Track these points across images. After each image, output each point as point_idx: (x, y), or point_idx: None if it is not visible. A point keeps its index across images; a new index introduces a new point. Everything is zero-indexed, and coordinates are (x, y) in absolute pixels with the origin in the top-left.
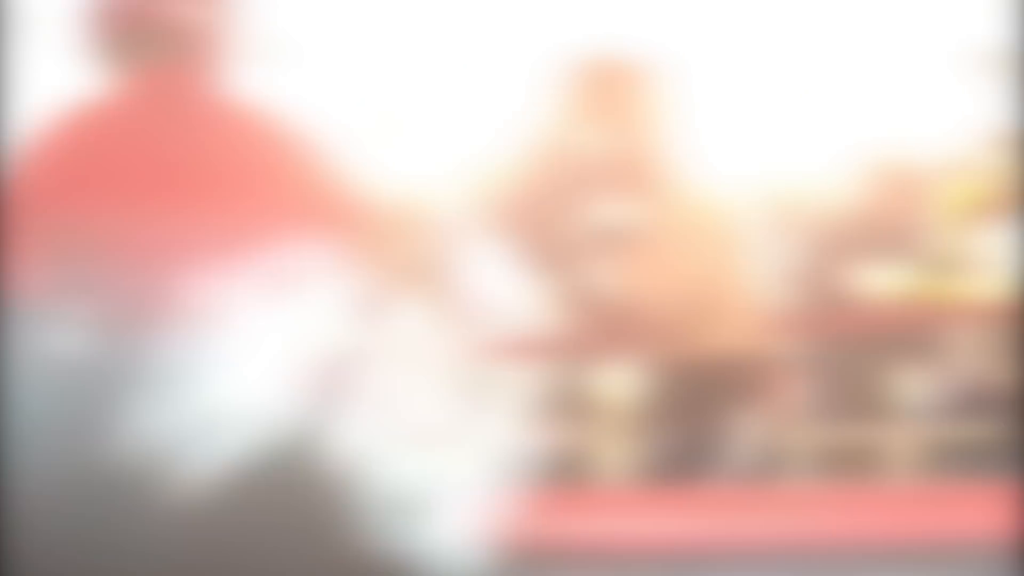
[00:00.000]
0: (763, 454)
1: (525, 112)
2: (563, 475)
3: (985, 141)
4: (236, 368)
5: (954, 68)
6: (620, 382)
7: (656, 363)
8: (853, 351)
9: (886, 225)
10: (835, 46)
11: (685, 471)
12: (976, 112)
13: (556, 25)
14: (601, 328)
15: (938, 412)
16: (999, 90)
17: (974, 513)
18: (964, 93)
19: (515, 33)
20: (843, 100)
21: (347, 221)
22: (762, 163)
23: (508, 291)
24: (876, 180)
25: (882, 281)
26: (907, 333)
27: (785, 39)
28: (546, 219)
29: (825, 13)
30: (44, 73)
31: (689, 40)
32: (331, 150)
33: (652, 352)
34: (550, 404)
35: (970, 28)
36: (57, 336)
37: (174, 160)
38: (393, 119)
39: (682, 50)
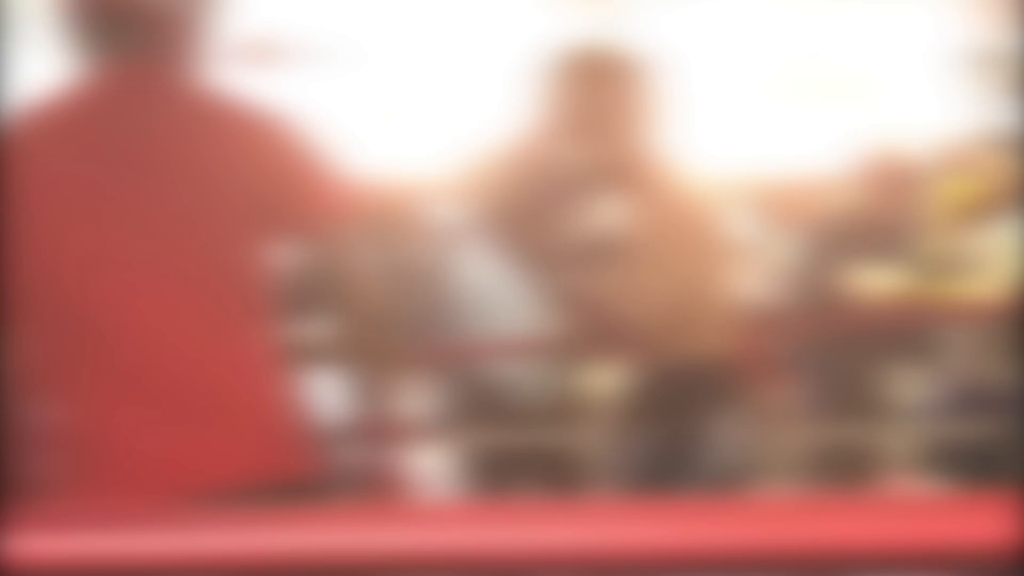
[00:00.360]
0: (754, 456)
1: (512, 113)
2: (548, 476)
3: (981, 141)
4: None
5: (950, 68)
6: (605, 383)
7: (642, 365)
8: (849, 351)
9: (882, 225)
10: (830, 45)
11: (670, 474)
12: (972, 112)
13: (545, 23)
14: (587, 329)
15: (934, 412)
16: (994, 90)
17: (973, 520)
18: (960, 93)
19: (501, 32)
20: (840, 100)
21: (324, 216)
22: (757, 163)
23: (496, 291)
24: (872, 180)
25: (878, 281)
26: (903, 333)
27: (780, 37)
28: (532, 220)
29: (820, 12)
30: (28, 63)
31: (681, 37)
32: (310, 145)
33: (637, 354)
34: (537, 404)
35: (967, 29)
36: None
37: (146, 152)
38: (383, 117)
39: (674, 47)
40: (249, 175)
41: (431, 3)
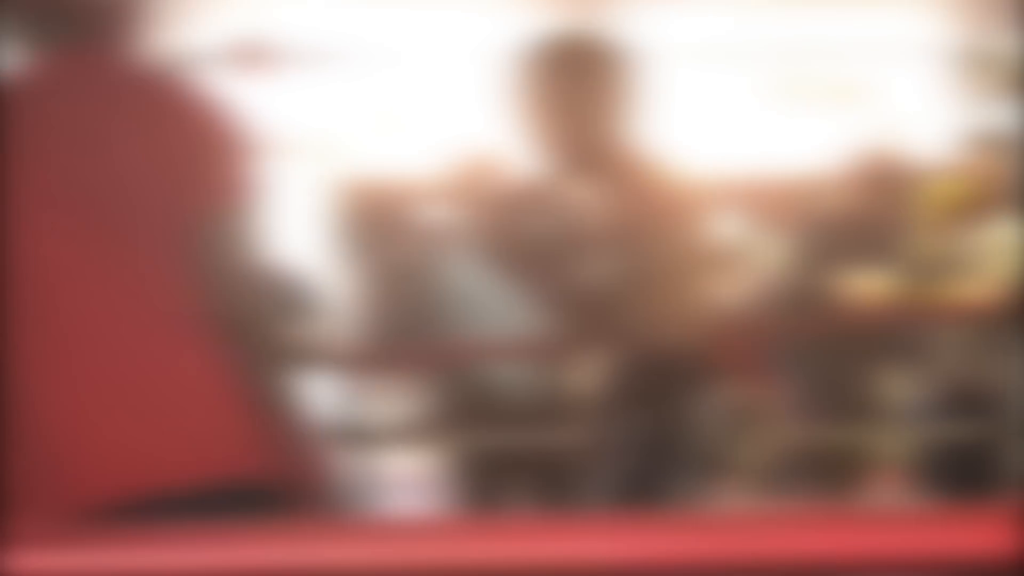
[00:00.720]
0: (742, 458)
1: (493, 110)
2: (538, 476)
3: (972, 142)
4: None
5: (941, 69)
6: (591, 382)
7: (625, 359)
8: (840, 353)
9: (874, 227)
10: (822, 46)
11: (656, 471)
12: (963, 113)
13: (528, 22)
14: (569, 322)
15: (924, 413)
16: (985, 91)
17: (973, 532)
18: (951, 94)
19: (484, 33)
20: (832, 101)
21: (271, 199)
22: (750, 163)
23: (484, 292)
24: (864, 181)
25: (869, 283)
26: (893, 335)
27: (772, 38)
28: (513, 215)
29: (813, 12)
30: None
31: (672, 37)
32: (225, 124)
33: (620, 347)
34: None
35: (959, 30)
36: None
37: (84, 140)
38: (372, 120)
39: (664, 47)
40: (172, 156)
41: (416, 6)
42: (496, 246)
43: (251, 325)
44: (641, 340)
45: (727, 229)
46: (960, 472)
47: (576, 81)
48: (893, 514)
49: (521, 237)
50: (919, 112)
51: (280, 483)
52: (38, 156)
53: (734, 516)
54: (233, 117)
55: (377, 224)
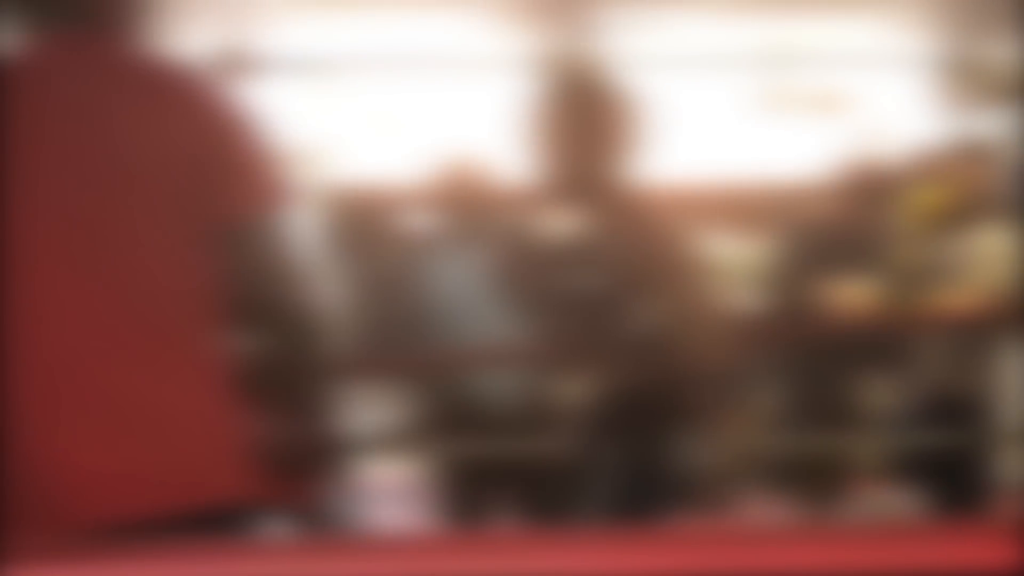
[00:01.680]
0: (728, 465)
1: (490, 124)
2: (523, 485)
3: (956, 150)
4: None
5: (924, 79)
6: (579, 392)
7: (616, 377)
8: (823, 360)
9: (858, 235)
10: (805, 55)
11: (644, 485)
12: (947, 121)
13: (524, 39)
14: (558, 332)
15: (907, 421)
16: (970, 99)
17: (972, 545)
18: (935, 102)
19: (479, 45)
20: (816, 110)
21: (271, 191)
22: (734, 172)
23: (472, 300)
24: (847, 190)
25: (853, 291)
26: (877, 343)
27: (756, 46)
28: (510, 230)
29: (797, 22)
30: None
31: (659, 47)
32: (246, 120)
33: (616, 368)
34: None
35: (944, 38)
36: None
37: (84, 130)
38: (360, 127)
39: (651, 58)
40: (186, 149)
41: (411, 16)
42: (482, 255)
43: (272, 342)
44: (627, 352)
45: (711, 238)
46: (943, 480)
47: (581, 114)
48: (888, 527)
49: (507, 250)
50: (901, 120)
51: (271, 507)
52: (37, 142)
53: (727, 530)
54: (246, 115)
55: (363, 231)
